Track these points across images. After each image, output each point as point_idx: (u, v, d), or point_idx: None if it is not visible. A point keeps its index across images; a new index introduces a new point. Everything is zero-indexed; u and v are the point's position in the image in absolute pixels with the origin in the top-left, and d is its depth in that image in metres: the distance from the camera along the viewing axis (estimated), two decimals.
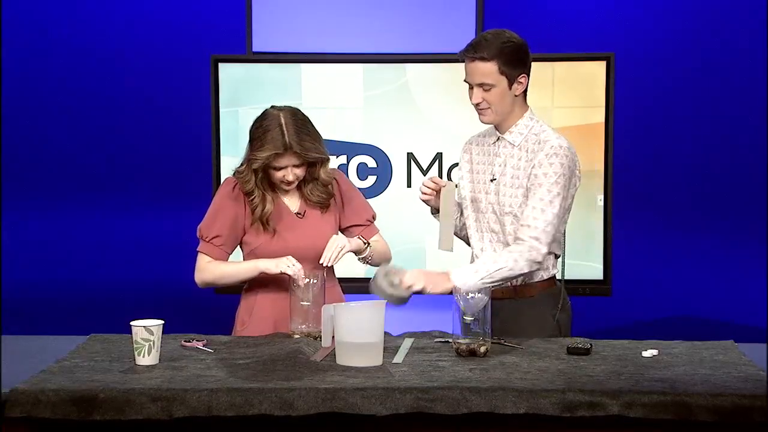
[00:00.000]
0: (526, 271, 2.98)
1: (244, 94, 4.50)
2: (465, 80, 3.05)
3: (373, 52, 4.60)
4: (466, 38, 4.55)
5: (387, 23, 4.66)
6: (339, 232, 3.25)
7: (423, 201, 3.16)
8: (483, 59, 2.98)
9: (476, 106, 3.04)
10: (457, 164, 3.39)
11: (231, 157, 4.43)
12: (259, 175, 3.10)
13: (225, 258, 3.17)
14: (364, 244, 3.15)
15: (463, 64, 3.06)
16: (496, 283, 2.94)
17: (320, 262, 3.04)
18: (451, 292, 2.88)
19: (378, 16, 4.67)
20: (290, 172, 3.08)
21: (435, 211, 3.19)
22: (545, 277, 3.11)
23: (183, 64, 4.94)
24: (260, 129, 3.06)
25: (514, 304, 3.10)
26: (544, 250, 2.97)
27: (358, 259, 3.19)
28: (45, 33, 4.99)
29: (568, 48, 4.58)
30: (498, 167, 3.10)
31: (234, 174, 3.17)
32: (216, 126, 4.50)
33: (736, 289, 4.87)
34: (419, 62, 4.51)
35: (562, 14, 4.89)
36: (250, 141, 3.11)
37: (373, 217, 3.30)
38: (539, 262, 2.99)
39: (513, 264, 2.95)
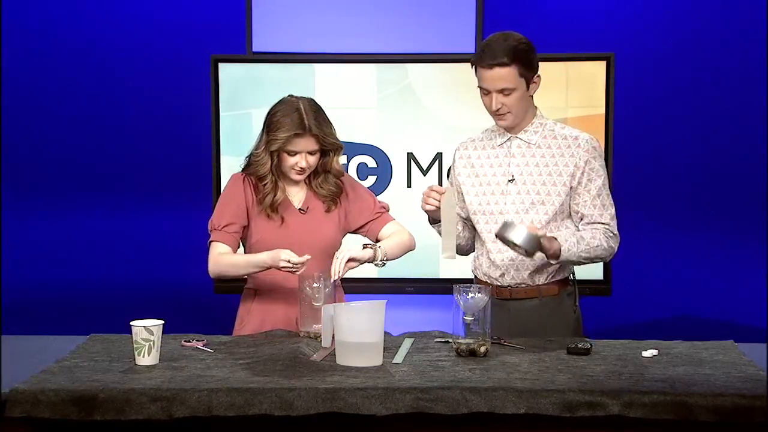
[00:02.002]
0: (607, 254, 3.07)
1: (244, 94, 4.50)
2: (481, 86, 3.03)
3: (373, 52, 4.60)
4: (466, 38, 4.62)
5: (387, 24, 4.66)
6: (341, 235, 3.26)
7: (427, 211, 3.09)
8: (503, 65, 2.97)
9: (496, 111, 3.04)
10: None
11: (231, 157, 4.43)
12: (275, 161, 3.11)
13: (238, 245, 3.18)
14: (372, 248, 3.11)
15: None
16: (585, 260, 3.03)
17: (332, 277, 3.00)
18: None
19: (378, 16, 4.67)
20: (304, 158, 3.09)
21: (433, 221, 3.16)
22: (566, 275, 3.17)
23: (183, 64, 4.94)
24: (279, 113, 3.09)
25: (538, 303, 3.13)
26: (617, 240, 3.10)
27: (375, 264, 3.14)
28: (45, 33, 4.99)
29: (568, 48, 4.57)
30: (515, 167, 3.12)
31: (249, 157, 3.18)
32: (216, 126, 4.50)
33: (736, 289, 4.86)
34: (419, 62, 4.51)
35: (562, 14, 4.88)
36: (266, 126, 3.12)
37: (384, 208, 3.29)
38: (613, 250, 3.09)
39: (605, 243, 3.05)
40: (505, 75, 2.98)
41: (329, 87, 4.49)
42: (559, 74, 4.38)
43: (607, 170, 4.34)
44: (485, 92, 3.03)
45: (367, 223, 3.25)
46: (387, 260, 3.14)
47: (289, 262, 2.95)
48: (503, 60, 2.96)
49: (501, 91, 3.00)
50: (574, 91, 4.43)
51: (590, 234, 3.03)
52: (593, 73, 4.42)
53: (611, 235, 3.07)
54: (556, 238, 2.97)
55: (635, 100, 4.80)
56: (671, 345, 2.89)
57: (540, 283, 3.13)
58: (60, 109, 5.02)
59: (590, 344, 2.82)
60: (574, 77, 4.42)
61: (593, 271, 4.45)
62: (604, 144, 4.38)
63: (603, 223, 3.07)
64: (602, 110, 4.40)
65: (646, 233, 4.90)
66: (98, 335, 3.00)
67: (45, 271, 5.03)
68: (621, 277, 4.59)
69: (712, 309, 4.87)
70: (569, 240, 2.99)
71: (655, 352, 2.79)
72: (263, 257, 3.04)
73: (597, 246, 3.03)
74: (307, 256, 2.96)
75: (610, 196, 3.13)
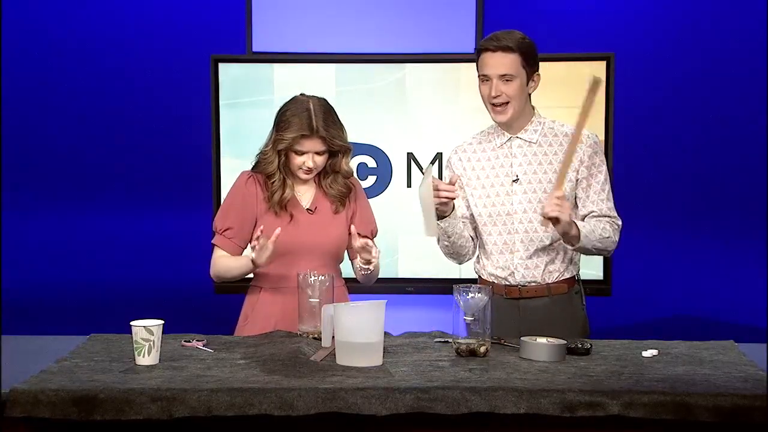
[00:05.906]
0: (613, 247, 3.11)
1: (244, 94, 4.50)
2: (482, 74, 3.07)
3: (373, 52, 4.60)
4: (466, 38, 4.62)
5: (387, 23, 4.66)
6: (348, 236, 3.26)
7: (444, 203, 3.00)
8: (507, 49, 3.03)
9: (494, 99, 3.06)
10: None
11: (231, 157, 4.43)
12: (282, 159, 3.12)
13: (237, 250, 3.21)
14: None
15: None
16: (596, 250, 3.07)
17: (368, 266, 3.05)
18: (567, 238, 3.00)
19: (378, 16, 4.67)
20: (311, 158, 3.11)
21: (440, 217, 3.13)
22: (574, 273, 3.20)
23: (183, 64, 4.94)
24: (288, 112, 3.12)
25: (548, 301, 3.14)
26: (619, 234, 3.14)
27: (358, 269, 3.16)
28: (45, 33, 4.98)
29: (568, 48, 4.57)
30: (518, 167, 3.14)
31: (258, 155, 3.20)
32: (216, 126, 4.50)
33: (736, 289, 4.86)
34: (419, 62, 4.51)
35: (562, 14, 4.88)
36: (276, 124, 3.15)
37: (374, 233, 3.30)
38: (616, 244, 3.13)
39: (614, 237, 3.09)
40: (508, 61, 3.04)
41: (330, 87, 4.49)
42: (558, 74, 4.37)
43: (607, 170, 4.39)
44: (485, 79, 3.07)
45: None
46: (363, 278, 3.17)
47: (257, 240, 3.00)
48: (507, 44, 3.04)
49: (502, 77, 3.03)
50: (574, 91, 4.42)
51: (601, 226, 3.08)
52: (593, 73, 4.40)
53: (617, 227, 3.13)
54: (576, 224, 2.99)
55: (635, 100, 4.80)
56: (671, 345, 2.90)
57: (550, 281, 3.14)
58: (60, 109, 5.02)
59: (590, 344, 2.82)
60: (574, 77, 4.42)
61: (593, 271, 4.45)
62: (603, 144, 4.38)
63: (610, 217, 3.13)
64: (602, 110, 4.40)
65: (646, 233, 4.90)
66: (98, 335, 3.00)
67: (45, 271, 5.02)
68: (621, 277, 4.59)
69: (712, 309, 4.87)
70: (586, 227, 3.03)
71: (655, 352, 2.79)
72: (246, 262, 3.11)
73: (607, 237, 3.08)
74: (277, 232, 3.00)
75: (611, 189, 3.18)
